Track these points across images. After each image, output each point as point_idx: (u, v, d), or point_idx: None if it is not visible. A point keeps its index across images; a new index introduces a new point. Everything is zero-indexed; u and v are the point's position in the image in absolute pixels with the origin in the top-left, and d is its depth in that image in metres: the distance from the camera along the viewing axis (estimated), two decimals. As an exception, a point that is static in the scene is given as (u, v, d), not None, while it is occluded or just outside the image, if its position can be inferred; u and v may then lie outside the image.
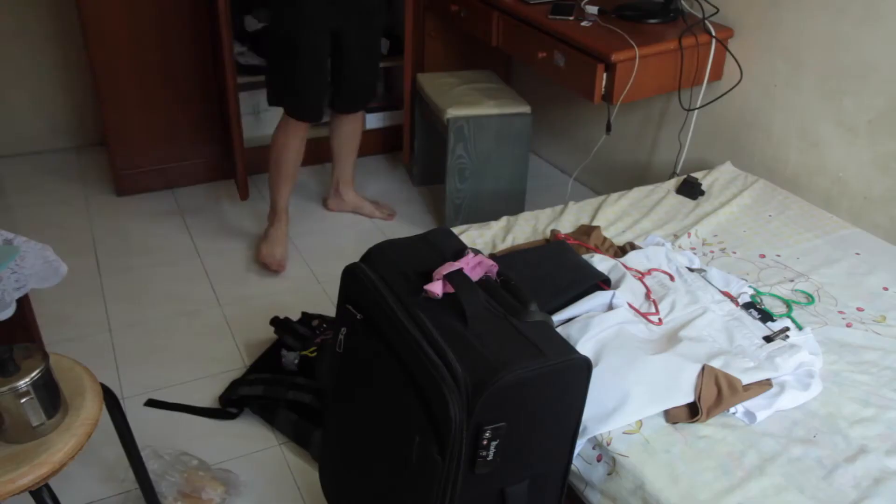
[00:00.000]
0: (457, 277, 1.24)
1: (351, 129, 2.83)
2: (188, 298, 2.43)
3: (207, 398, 2.03)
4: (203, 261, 2.63)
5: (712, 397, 1.36)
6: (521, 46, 2.52)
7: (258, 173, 3.07)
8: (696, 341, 1.50)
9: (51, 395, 1.20)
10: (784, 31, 2.21)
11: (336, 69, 2.55)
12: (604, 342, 1.45)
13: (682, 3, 2.42)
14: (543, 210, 2.08)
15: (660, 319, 1.58)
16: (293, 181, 2.65)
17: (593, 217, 2.03)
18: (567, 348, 1.19)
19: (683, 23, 2.34)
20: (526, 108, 2.70)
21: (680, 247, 1.91)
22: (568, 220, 2.02)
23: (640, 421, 1.34)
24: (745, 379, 1.40)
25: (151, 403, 2.01)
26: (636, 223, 2.02)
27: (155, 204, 2.98)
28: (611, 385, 1.35)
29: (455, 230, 1.89)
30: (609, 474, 1.31)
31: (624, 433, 1.33)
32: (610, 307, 1.56)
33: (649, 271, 1.73)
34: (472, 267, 1.29)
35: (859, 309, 1.69)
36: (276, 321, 2.21)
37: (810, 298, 1.72)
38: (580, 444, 1.33)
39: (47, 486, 1.19)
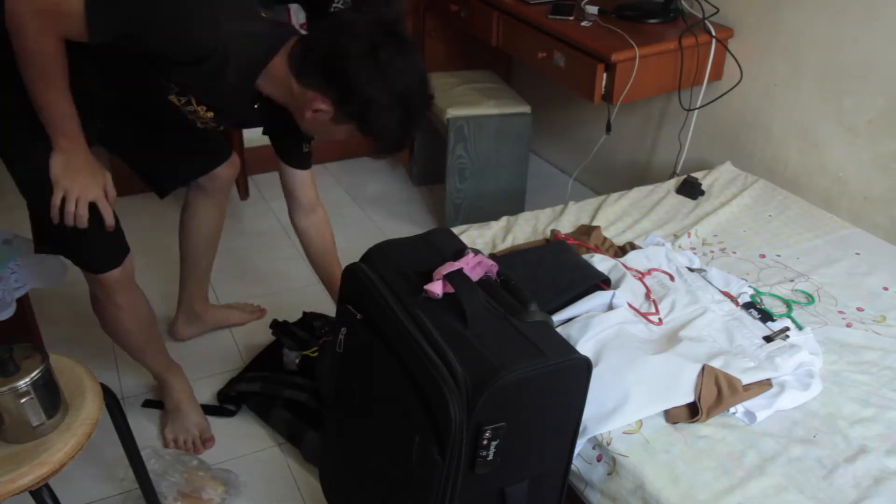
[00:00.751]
0: (457, 277, 1.24)
1: (214, 216, 1.99)
2: (188, 298, 2.43)
3: (207, 398, 2.02)
4: (203, 261, 2.63)
5: (712, 397, 1.36)
6: (521, 46, 2.52)
7: (258, 173, 3.07)
8: (696, 341, 1.50)
9: (51, 395, 1.19)
10: (784, 31, 2.21)
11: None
12: (604, 342, 1.45)
13: (682, 3, 2.41)
14: (543, 210, 2.07)
15: (660, 319, 1.58)
16: (160, 339, 1.90)
17: (593, 217, 2.03)
18: (567, 348, 1.18)
19: (683, 23, 2.33)
20: (526, 108, 2.70)
21: (680, 247, 1.91)
22: (568, 220, 2.02)
23: (640, 421, 1.34)
24: (745, 379, 1.40)
25: (150, 404, 2.01)
26: (636, 223, 2.02)
27: (155, 204, 2.98)
28: (611, 385, 1.35)
29: (455, 230, 1.89)
30: (609, 474, 1.31)
31: (624, 433, 1.33)
32: (610, 307, 1.56)
33: (649, 271, 1.73)
34: (472, 267, 1.29)
35: (859, 309, 1.69)
36: (275, 324, 2.19)
37: (810, 298, 1.72)
38: (580, 444, 1.33)
39: (47, 486, 1.19)
